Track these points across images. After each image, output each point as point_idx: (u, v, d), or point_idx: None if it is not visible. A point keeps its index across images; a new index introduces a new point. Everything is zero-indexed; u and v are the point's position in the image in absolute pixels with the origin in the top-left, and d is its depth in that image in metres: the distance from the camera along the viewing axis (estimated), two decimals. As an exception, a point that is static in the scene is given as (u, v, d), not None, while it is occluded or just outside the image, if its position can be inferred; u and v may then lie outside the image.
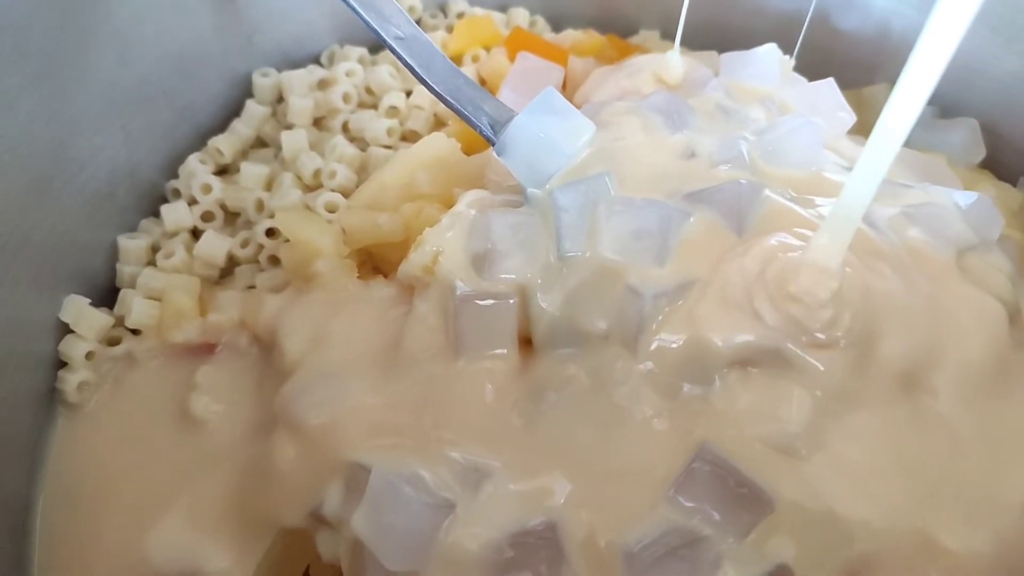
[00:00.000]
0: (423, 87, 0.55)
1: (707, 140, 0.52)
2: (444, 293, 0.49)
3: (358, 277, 0.57)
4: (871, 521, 0.40)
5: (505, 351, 0.48)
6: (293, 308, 0.54)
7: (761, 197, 0.46)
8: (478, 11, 0.79)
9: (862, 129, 0.66)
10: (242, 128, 0.68)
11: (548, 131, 0.51)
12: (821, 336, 0.41)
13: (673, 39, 0.80)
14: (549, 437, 0.44)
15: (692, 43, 0.79)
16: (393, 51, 0.55)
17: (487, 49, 0.74)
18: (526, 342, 0.49)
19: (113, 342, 0.59)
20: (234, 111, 0.70)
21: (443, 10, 0.80)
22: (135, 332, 0.59)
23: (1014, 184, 0.66)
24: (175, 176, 0.66)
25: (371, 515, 0.42)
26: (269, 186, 0.65)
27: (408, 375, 0.48)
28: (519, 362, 0.48)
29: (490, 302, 0.47)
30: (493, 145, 0.52)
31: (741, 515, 0.39)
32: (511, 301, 0.47)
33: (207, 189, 0.64)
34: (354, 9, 0.55)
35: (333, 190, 0.63)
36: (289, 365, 0.51)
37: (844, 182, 0.52)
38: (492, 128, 0.53)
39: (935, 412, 0.43)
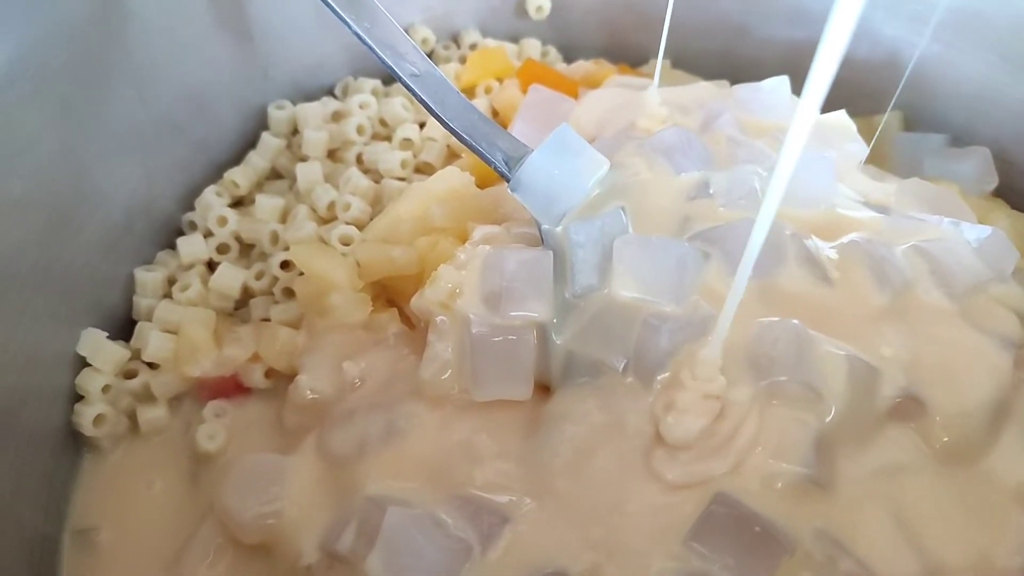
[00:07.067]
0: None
1: (719, 177, 0.52)
2: (460, 330, 0.49)
3: (372, 310, 0.57)
4: (883, 563, 0.40)
5: (521, 389, 0.48)
6: (314, 348, 0.55)
7: (783, 239, 0.46)
8: (490, 42, 0.79)
9: (873, 158, 0.66)
10: (257, 160, 0.69)
11: (563, 168, 0.51)
12: None
13: (684, 68, 0.81)
14: (564, 477, 0.44)
15: (703, 72, 0.79)
16: (408, 88, 0.55)
17: (499, 80, 0.74)
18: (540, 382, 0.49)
19: (130, 375, 0.59)
20: (250, 143, 0.70)
21: (456, 41, 0.81)
22: (152, 365, 0.60)
23: (1027, 211, 0.66)
24: (191, 208, 0.67)
25: (387, 557, 0.42)
26: (284, 218, 0.66)
27: (423, 412, 0.48)
28: (535, 400, 0.48)
29: (507, 339, 0.47)
30: (508, 181, 0.53)
31: (760, 558, 0.39)
32: (528, 338, 0.48)
33: (223, 221, 0.65)
34: (370, 47, 0.56)
35: (347, 223, 0.63)
36: (316, 405, 0.52)
37: (858, 217, 0.53)
38: (507, 164, 0.53)
39: (931, 461, 0.44)
